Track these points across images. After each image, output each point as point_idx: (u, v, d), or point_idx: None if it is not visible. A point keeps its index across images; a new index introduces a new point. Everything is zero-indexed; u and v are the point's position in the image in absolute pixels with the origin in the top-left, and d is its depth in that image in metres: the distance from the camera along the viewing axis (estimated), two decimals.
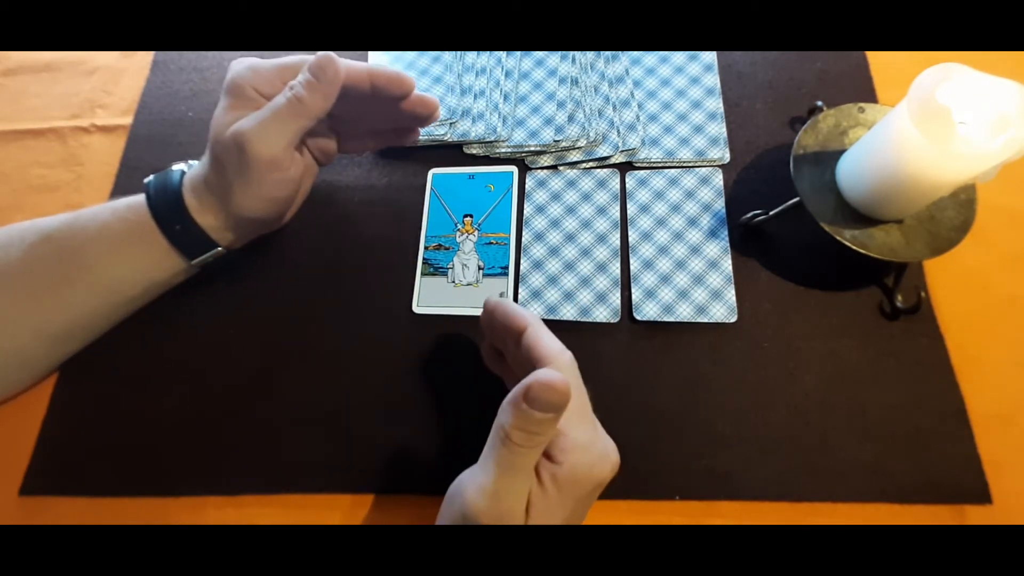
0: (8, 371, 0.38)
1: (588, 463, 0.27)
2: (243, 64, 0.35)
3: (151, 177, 0.37)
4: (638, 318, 0.38)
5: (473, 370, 0.38)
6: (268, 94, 0.35)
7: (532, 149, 0.43)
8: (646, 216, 0.41)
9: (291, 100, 0.33)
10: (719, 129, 0.43)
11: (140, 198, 0.37)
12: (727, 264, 0.39)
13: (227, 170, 0.34)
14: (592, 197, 0.42)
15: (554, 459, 0.27)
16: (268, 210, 0.36)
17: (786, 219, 0.38)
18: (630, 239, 0.40)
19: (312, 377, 0.39)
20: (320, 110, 0.34)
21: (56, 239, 0.36)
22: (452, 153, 0.45)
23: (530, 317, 0.30)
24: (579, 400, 0.29)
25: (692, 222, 0.40)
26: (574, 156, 0.43)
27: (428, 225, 0.43)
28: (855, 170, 0.35)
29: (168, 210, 0.36)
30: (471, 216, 0.42)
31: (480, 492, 0.26)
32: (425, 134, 0.44)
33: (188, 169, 0.38)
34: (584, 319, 0.38)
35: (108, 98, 0.49)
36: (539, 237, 0.41)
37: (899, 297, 0.37)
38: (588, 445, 0.28)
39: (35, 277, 0.36)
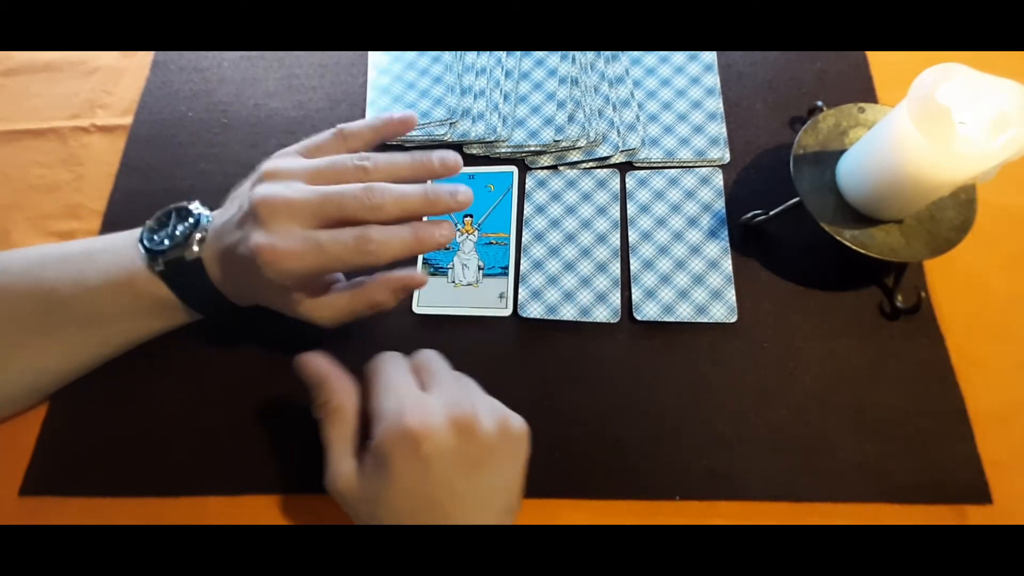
0: None
1: (383, 427, 0.28)
2: (276, 268, 0.29)
3: (156, 238, 0.34)
4: (638, 318, 0.38)
5: (473, 370, 0.38)
6: (308, 278, 0.32)
7: (532, 149, 0.43)
8: (646, 216, 0.41)
9: (373, 306, 0.33)
10: (719, 129, 0.43)
11: (145, 257, 0.34)
12: (727, 264, 0.39)
13: (244, 264, 0.31)
14: (592, 197, 0.42)
15: (370, 435, 0.29)
16: (284, 304, 0.34)
17: (786, 219, 0.38)
18: (630, 239, 0.40)
19: None
20: (389, 307, 0.34)
21: (54, 295, 0.34)
22: None
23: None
24: (398, 377, 0.30)
25: (692, 222, 0.40)
26: (574, 156, 0.43)
27: None
28: (855, 170, 0.35)
29: (187, 282, 0.34)
30: (471, 216, 0.42)
31: (331, 477, 0.30)
32: (425, 134, 0.44)
33: (199, 243, 0.33)
34: (584, 319, 0.38)
35: (108, 98, 0.49)
36: (539, 237, 0.41)
37: (899, 297, 0.37)
38: (389, 411, 0.28)
39: (25, 326, 0.34)
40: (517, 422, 0.30)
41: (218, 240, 0.33)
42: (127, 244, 0.35)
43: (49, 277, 0.34)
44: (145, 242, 0.34)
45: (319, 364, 0.32)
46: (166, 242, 0.34)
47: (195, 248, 0.33)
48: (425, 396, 0.29)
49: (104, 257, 0.35)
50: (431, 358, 0.32)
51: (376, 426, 0.29)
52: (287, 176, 0.31)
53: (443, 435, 0.28)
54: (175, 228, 0.34)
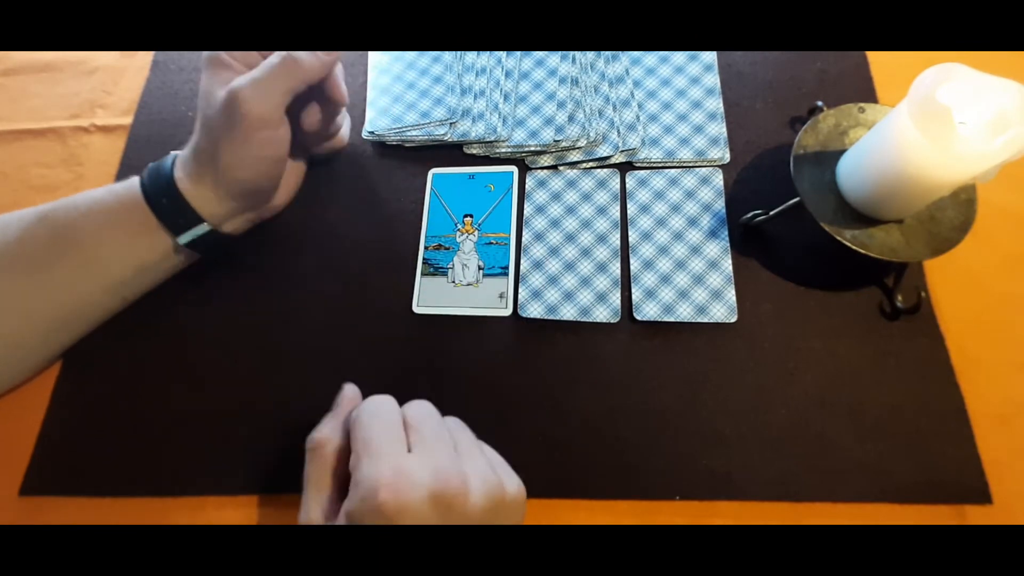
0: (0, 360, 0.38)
1: (358, 496, 0.27)
2: (242, 110, 0.34)
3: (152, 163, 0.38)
4: (638, 318, 0.38)
5: (473, 370, 0.38)
6: (247, 62, 0.36)
7: (532, 149, 0.43)
8: (646, 216, 0.41)
9: (286, 60, 0.34)
10: (719, 129, 0.43)
11: (137, 178, 0.38)
12: (727, 264, 0.39)
13: (216, 132, 0.35)
14: (592, 197, 0.42)
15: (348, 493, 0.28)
16: (257, 173, 0.37)
17: (786, 219, 0.38)
18: (630, 239, 0.40)
19: (312, 377, 0.39)
20: (315, 73, 0.35)
21: (51, 217, 0.37)
22: (452, 153, 0.45)
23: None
24: (381, 435, 0.29)
25: (692, 222, 0.40)
26: (574, 156, 0.43)
27: (428, 225, 0.43)
28: (855, 170, 0.35)
29: (156, 184, 0.37)
30: (471, 216, 0.42)
31: (301, 519, 0.30)
32: (425, 134, 0.44)
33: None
34: (584, 319, 0.38)
35: (108, 98, 0.49)
36: (539, 237, 0.41)
37: (899, 297, 0.37)
38: (364, 479, 0.27)
39: (27, 255, 0.36)
40: (512, 488, 0.29)
41: (191, 141, 0.37)
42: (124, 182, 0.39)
43: (45, 208, 0.37)
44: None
45: (345, 392, 0.34)
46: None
47: (170, 159, 0.38)
48: (407, 464, 0.27)
49: (97, 192, 0.38)
50: (421, 414, 0.30)
51: (352, 489, 0.27)
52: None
53: (420, 513, 0.26)
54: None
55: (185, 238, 0.37)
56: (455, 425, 0.32)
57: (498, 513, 0.28)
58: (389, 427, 0.29)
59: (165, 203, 0.37)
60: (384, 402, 0.31)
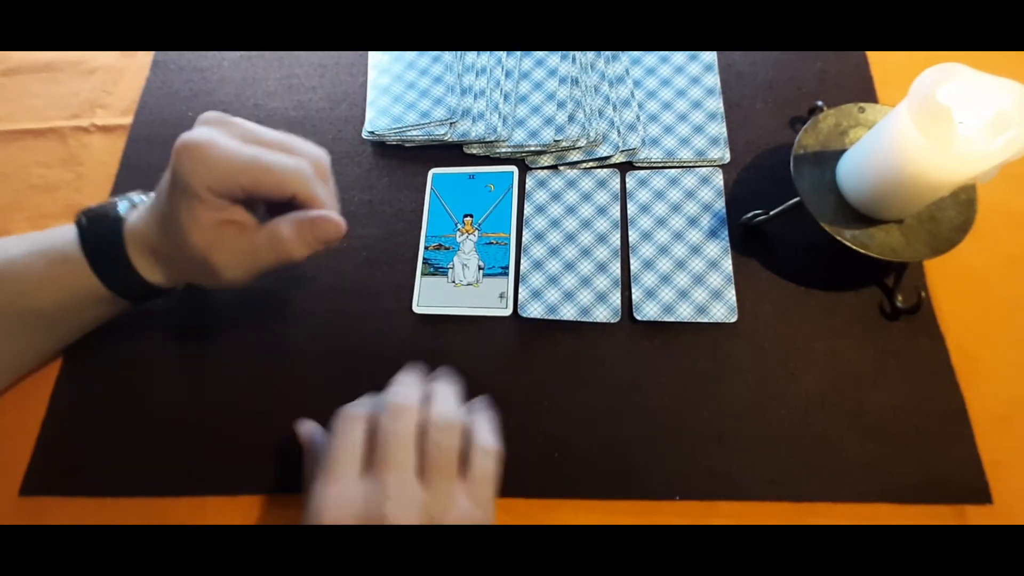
0: None
1: (306, 509, 0.29)
2: (196, 158, 0.30)
3: (84, 220, 0.34)
4: (638, 318, 0.38)
5: (473, 370, 0.38)
6: (223, 193, 0.31)
7: (532, 149, 0.43)
8: (646, 216, 0.41)
9: (279, 251, 0.31)
10: (719, 129, 0.43)
11: (73, 241, 0.34)
12: (727, 264, 0.39)
13: (183, 260, 0.32)
14: (592, 197, 0.42)
15: None
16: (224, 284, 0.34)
17: (786, 219, 0.38)
18: (630, 239, 0.40)
19: (312, 377, 0.39)
20: (299, 259, 0.32)
21: None
22: (452, 153, 0.45)
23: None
24: (343, 452, 0.30)
25: (692, 222, 0.40)
26: (574, 156, 0.43)
27: (428, 225, 0.43)
28: (855, 170, 0.35)
29: (106, 260, 0.34)
30: (471, 216, 0.42)
31: None
32: (425, 134, 0.44)
33: (125, 211, 0.35)
34: (584, 319, 0.38)
35: (108, 98, 0.49)
36: (539, 237, 0.41)
37: (899, 297, 0.37)
38: (313, 495, 0.29)
39: None
40: (456, 524, 0.28)
41: (147, 205, 0.34)
42: (63, 227, 0.35)
43: None
44: (84, 209, 0.35)
45: (301, 433, 0.34)
46: (102, 204, 0.35)
47: (120, 211, 0.34)
48: (347, 490, 0.28)
49: (34, 235, 0.35)
50: (388, 430, 0.30)
51: (307, 499, 0.29)
52: (225, 126, 0.32)
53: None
54: (116, 199, 0.35)
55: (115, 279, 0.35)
56: (451, 424, 0.31)
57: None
58: (351, 445, 0.30)
59: (108, 261, 0.34)
60: (355, 418, 0.31)
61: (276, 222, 0.32)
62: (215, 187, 0.30)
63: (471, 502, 0.29)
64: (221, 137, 0.31)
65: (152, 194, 0.34)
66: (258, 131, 0.32)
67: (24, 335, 0.37)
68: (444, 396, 0.32)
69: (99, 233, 0.34)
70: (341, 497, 0.28)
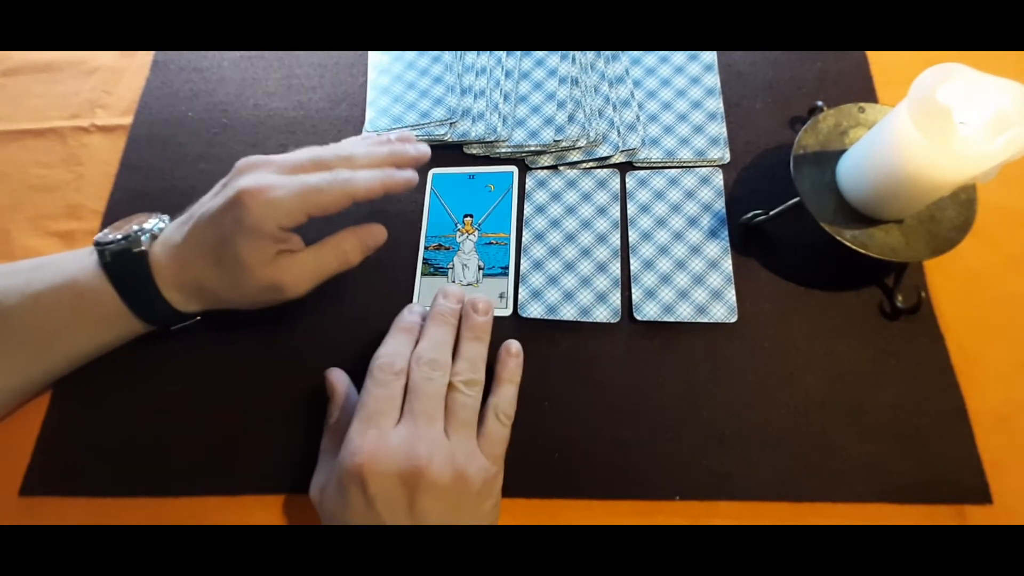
0: None
1: (342, 456, 0.30)
2: (262, 203, 0.32)
3: (108, 256, 0.35)
4: (638, 318, 0.38)
5: None
6: (292, 227, 0.33)
7: (532, 149, 0.43)
8: (646, 216, 0.41)
9: (343, 260, 0.36)
10: (719, 129, 0.43)
11: (98, 275, 0.34)
12: (727, 264, 0.39)
13: (234, 289, 0.35)
14: (592, 197, 0.42)
15: None
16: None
17: (786, 219, 0.38)
18: (630, 239, 0.40)
19: (312, 377, 0.39)
20: (356, 264, 0.36)
21: (10, 317, 0.34)
22: (452, 153, 0.44)
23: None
24: (378, 398, 0.32)
25: (692, 222, 0.40)
26: (574, 156, 0.43)
27: (428, 225, 0.43)
28: (855, 170, 0.35)
29: (142, 300, 0.35)
30: (471, 216, 0.42)
31: (311, 486, 0.33)
32: (425, 134, 0.44)
33: (149, 239, 0.35)
34: (584, 319, 0.38)
35: (108, 98, 0.49)
36: (539, 237, 0.41)
37: (899, 297, 0.37)
38: (350, 440, 0.30)
39: None
40: (475, 473, 0.30)
41: (178, 230, 0.35)
42: (77, 254, 0.36)
43: (9, 298, 0.34)
44: (98, 240, 0.35)
45: (334, 380, 0.36)
46: (118, 237, 0.35)
47: (143, 243, 0.35)
48: (386, 434, 0.30)
49: (51, 267, 0.35)
50: (423, 386, 0.32)
51: (342, 447, 0.31)
52: (264, 167, 0.34)
53: (387, 482, 0.29)
54: (132, 229, 0.36)
55: (149, 313, 0.36)
56: (457, 402, 0.32)
57: (461, 493, 0.30)
58: (389, 399, 0.32)
59: (141, 298, 0.35)
60: (388, 366, 0.32)
61: (339, 236, 0.36)
62: (286, 223, 0.33)
63: (487, 459, 0.32)
64: (271, 177, 0.33)
65: (172, 223, 0.36)
66: (292, 159, 0.35)
67: (55, 367, 0.37)
68: (472, 353, 0.34)
69: (126, 271, 0.35)
70: (380, 440, 0.30)
